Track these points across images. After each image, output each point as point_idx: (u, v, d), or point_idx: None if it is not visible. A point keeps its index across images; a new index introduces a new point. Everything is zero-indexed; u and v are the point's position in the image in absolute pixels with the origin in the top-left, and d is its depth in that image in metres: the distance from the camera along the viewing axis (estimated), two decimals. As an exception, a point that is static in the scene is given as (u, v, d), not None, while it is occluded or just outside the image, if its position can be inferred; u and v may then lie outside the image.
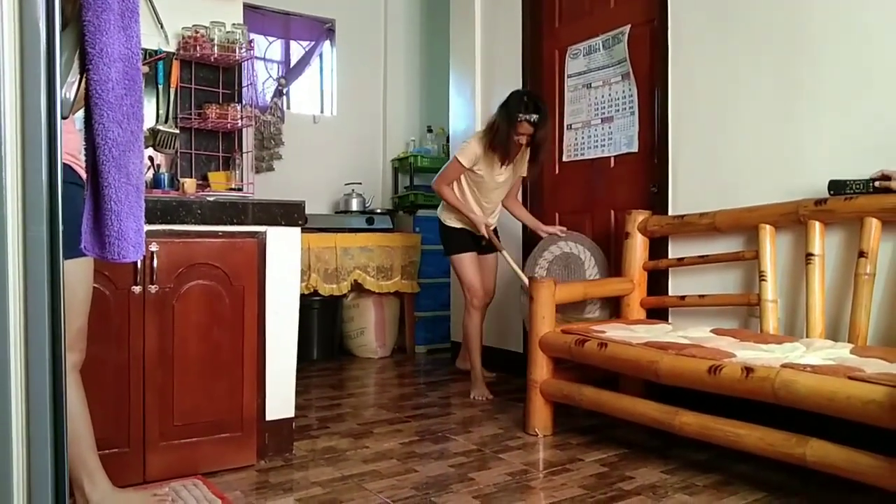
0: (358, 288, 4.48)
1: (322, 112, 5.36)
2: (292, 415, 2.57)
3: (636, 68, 3.39)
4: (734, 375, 2.08)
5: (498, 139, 3.25)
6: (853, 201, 2.40)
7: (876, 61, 2.47)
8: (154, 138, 3.07)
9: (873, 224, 2.37)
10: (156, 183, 3.09)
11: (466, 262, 3.54)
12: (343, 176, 5.11)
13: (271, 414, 2.48)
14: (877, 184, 2.34)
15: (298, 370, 2.60)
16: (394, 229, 4.88)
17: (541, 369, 2.81)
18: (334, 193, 5.14)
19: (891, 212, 2.31)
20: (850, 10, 2.53)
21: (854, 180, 2.41)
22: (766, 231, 2.68)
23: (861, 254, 2.39)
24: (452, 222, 3.55)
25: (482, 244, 3.60)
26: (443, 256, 3.71)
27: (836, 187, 2.46)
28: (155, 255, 2.21)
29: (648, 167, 3.32)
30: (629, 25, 3.42)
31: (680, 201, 3.12)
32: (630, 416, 2.49)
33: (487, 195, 3.49)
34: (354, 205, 4.95)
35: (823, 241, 2.53)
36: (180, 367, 2.27)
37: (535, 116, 3.19)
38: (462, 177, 3.45)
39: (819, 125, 2.63)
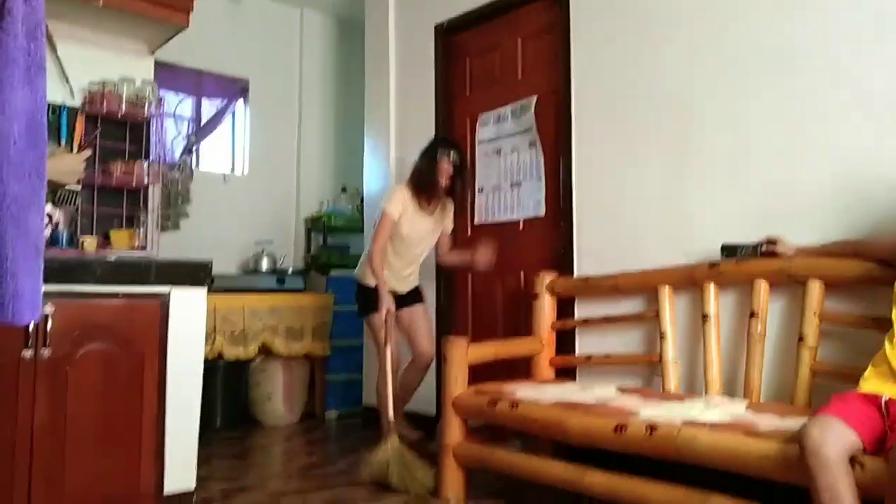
0: (265, 351, 4.35)
1: (233, 171, 5.28)
2: (193, 487, 2.44)
3: (542, 136, 3.54)
4: (639, 434, 2.14)
5: (422, 180, 3.35)
6: (743, 265, 2.56)
7: (756, 137, 2.69)
8: (54, 195, 2.94)
9: (762, 286, 2.53)
10: (54, 241, 2.95)
11: (378, 319, 3.35)
12: (253, 235, 5.01)
13: (170, 486, 2.34)
14: (763, 248, 2.51)
15: (201, 439, 2.48)
16: (305, 289, 4.81)
17: (454, 431, 2.79)
18: (243, 253, 5.03)
19: (777, 274, 2.48)
20: (730, 84, 2.76)
21: (743, 245, 2.58)
22: (665, 292, 2.82)
23: (752, 314, 2.54)
24: (371, 281, 3.41)
25: (410, 299, 3.55)
26: (358, 317, 3.57)
27: (728, 251, 2.62)
28: (50, 317, 2.09)
29: (555, 230, 3.45)
30: (536, 96, 3.59)
31: (584, 263, 3.25)
32: (540, 478, 2.51)
33: (411, 250, 3.46)
34: (264, 265, 4.86)
35: (718, 302, 2.68)
36: (72, 439, 2.13)
37: (454, 154, 3.36)
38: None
39: (709, 192, 2.82)
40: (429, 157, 3.38)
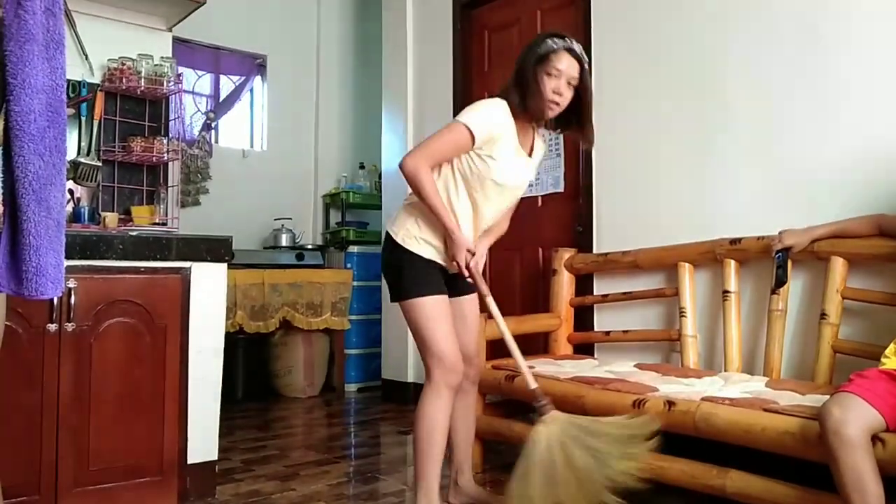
0: (286, 325, 4.40)
1: (252, 147, 5.30)
2: (215, 457, 2.48)
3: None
4: (657, 409, 2.14)
5: (529, 90, 2.09)
6: (765, 241, 2.53)
7: (780, 112, 2.64)
8: (75, 171, 2.97)
9: (789, 265, 2.50)
10: (76, 217, 2.98)
11: (437, 310, 2.12)
12: (272, 211, 5.04)
13: (193, 457, 2.39)
14: (783, 257, 2.38)
15: (223, 411, 2.53)
16: (324, 265, 4.84)
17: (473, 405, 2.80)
18: (263, 229, 5.06)
19: (800, 251, 2.45)
20: (759, 59, 2.71)
21: (778, 269, 2.39)
22: (685, 269, 2.79)
23: (773, 291, 2.51)
24: (417, 245, 2.15)
25: (457, 280, 2.24)
26: (392, 300, 2.22)
27: (778, 283, 2.41)
28: (73, 292, 2.12)
29: (574, 207, 3.42)
30: (555, 70, 3.53)
31: (604, 239, 3.22)
32: (559, 452, 2.51)
33: (489, 205, 2.19)
34: (284, 240, 4.89)
35: (739, 279, 2.65)
36: (97, 409, 2.17)
37: (576, 46, 2.10)
38: (452, 167, 2.14)
39: (732, 168, 2.78)
40: (536, 56, 2.09)
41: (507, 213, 2.32)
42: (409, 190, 2.17)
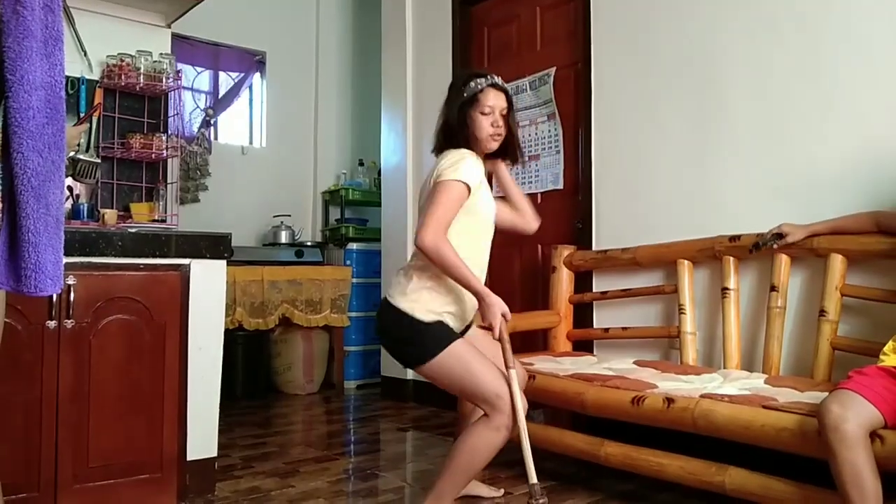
0: (285, 322, 4.40)
1: (251, 143, 5.30)
2: (215, 454, 2.48)
3: (561, 109, 3.50)
4: (656, 406, 2.15)
5: (468, 132, 2.16)
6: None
7: (780, 109, 2.64)
8: (74, 167, 2.97)
9: (783, 260, 2.50)
10: (75, 214, 2.98)
11: (468, 351, 2.05)
12: (272, 208, 5.04)
13: (193, 453, 2.39)
14: (775, 245, 2.42)
15: (222, 408, 2.53)
16: (323, 262, 4.84)
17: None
18: (262, 226, 5.06)
19: (798, 248, 2.45)
20: (758, 57, 2.71)
21: (763, 239, 2.46)
22: (685, 266, 2.80)
23: (772, 288, 2.52)
24: (433, 316, 2.07)
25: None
26: (411, 367, 2.14)
27: (754, 246, 2.49)
28: (72, 289, 2.12)
29: (573, 203, 3.42)
30: (554, 68, 3.54)
31: (603, 236, 3.22)
32: (557, 448, 2.52)
33: (486, 242, 2.24)
34: (283, 237, 4.89)
35: (738, 276, 2.65)
36: (97, 405, 2.17)
37: (499, 80, 2.21)
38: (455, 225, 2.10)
39: (731, 165, 2.77)
40: (461, 98, 2.17)
41: (516, 196, 2.42)
42: (412, 252, 2.19)
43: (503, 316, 2.06)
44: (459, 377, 2.02)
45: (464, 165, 2.08)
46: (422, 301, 2.07)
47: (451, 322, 2.11)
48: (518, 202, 2.40)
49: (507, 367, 2.03)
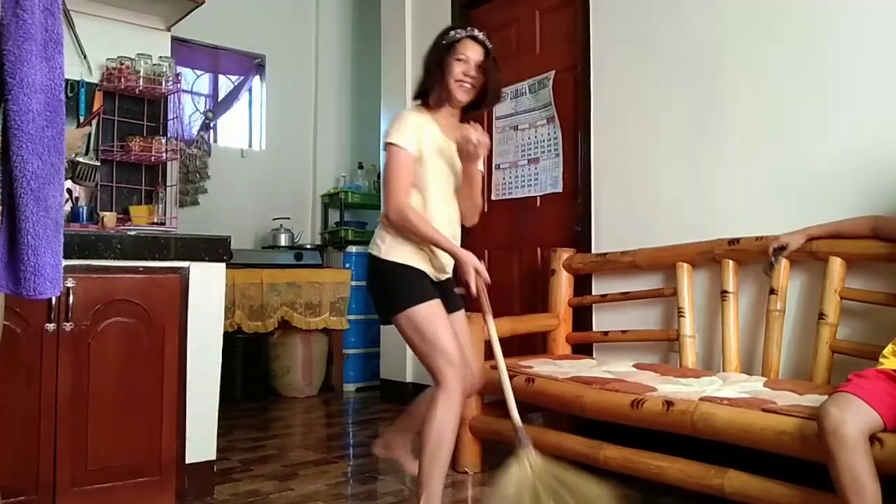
0: (284, 325, 4.39)
1: (250, 146, 5.30)
2: (214, 457, 2.48)
3: (560, 112, 3.51)
4: (655, 409, 2.15)
5: (439, 77, 2.17)
6: (763, 241, 2.53)
7: (779, 113, 2.64)
8: (73, 170, 2.97)
9: (782, 263, 2.50)
10: (74, 216, 2.97)
11: (438, 314, 2.10)
12: (271, 211, 5.04)
13: (191, 456, 2.39)
14: (776, 259, 2.43)
15: (221, 411, 2.52)
16: (323, 265, 4.83)
17: (470, 405, 2.81)
18: (261, 228, 5.06)
19: (798, 251, 2.45)
20: (758, 59, 2.71)
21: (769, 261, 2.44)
22: (684, 269, 2.80)
23: (772, 291, 2.52)
24: (404, 255, 2.15)
25: (444, 296, 2.22)
26: (384, 321, 2.23)
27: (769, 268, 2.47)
28: (71, 292, 2.12)
29: (572, 207, 3.42)
30: (554, 71, 3.54)
31: (602, 239, 3.22)
32: (557, 451, 2.51)
33: (449, 188, 2.24)
34: (282, 240, 4.89)
35: (737, 279, 2.65)
36: (95, 408, 2.17)
37: (479, 33, 2.21)
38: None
39: (731, 169, 2.78)
40: (441, 47, 2.19)
41: (467, 191, 2.27)
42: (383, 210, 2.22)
43: (477, 271, 2.10)
44: (422, 333, 2.08)
45: (397, 125, 2.16)
46: (396, 248, 2.16)
47: (426, 268, 2.18)
48: (466, 197, 2.29)
49: (483, 316, 2.19)
